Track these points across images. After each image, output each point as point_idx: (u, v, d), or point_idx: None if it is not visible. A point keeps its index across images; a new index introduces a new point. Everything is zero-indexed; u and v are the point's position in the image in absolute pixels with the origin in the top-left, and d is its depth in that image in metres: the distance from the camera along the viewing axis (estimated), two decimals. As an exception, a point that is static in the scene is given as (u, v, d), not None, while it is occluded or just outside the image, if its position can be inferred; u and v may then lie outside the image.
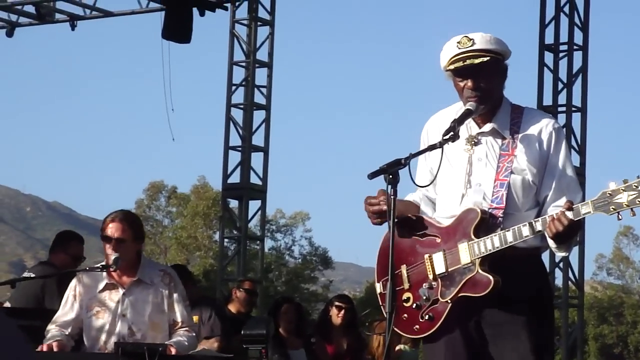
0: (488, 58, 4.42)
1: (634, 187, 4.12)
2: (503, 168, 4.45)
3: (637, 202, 4.11)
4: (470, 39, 4.44)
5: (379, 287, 4.54)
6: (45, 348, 5.84)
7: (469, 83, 4.45)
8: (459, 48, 4.44)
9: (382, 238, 4.60)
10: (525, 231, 4.30)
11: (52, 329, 6.06)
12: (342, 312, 9.19)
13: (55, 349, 5.84)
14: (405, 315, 4.52)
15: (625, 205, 4.13)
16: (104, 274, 6.03)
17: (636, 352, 47.28)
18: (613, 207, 4.15)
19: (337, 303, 9.33)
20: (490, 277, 4.33)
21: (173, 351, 5.78)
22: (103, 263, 6.04)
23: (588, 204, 4.21)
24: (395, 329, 4.54)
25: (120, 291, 6.05)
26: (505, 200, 4.39)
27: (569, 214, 4.23)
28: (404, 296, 4.53)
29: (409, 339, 9.69)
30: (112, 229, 6.02)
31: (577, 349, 16.07)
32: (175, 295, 6.09)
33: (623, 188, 4.14)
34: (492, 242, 4.34)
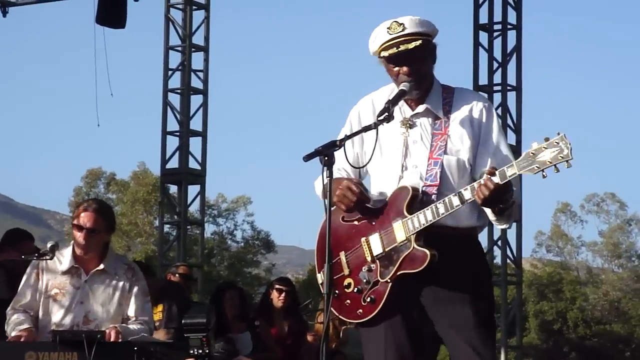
0: (420, 41, 4.43)
1: (555, 143, 4.14)
2: (436, 147, 4.47)
3: (560, 158, 4.12)
4: (400, 24, 4.44)
5: (320, 277, 4.50)
6: (15, 338, 5.79)
7: (405, 69, 4.46)
8: (390, 34, 4.44)
9: (319, 227, 4.60)
10: (456, 201, 4.32)
11: (17, 314, 5.98)
12: (283, 294, 9.21)
13: (22, 340, 5.79)
14: (348, 301, 4.52)
15: (548, 162, 4.14)
16: (70, 256, 5.98)
17: (575, 328, 47.88)
18: (537, 165, 4.16)
19: (277, 286, 9.36)
20: (427, 251, 4.35)
21: (113, 335, 5.75)
22: (41, 251, 6.01)
23: (513, 166, 4.23)
24: (339, 315, 4.58)
25: (83, 278, 6.02)
26: (439, 178, 4.43)
27: (495, 179, 4.23)
28: (345, 282, 4.54)
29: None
30: (85, 218, 5.97)
31: (517, 326, 16.26)
32: (135, 290, 6.06)
33: (545, 146, 4.15)
34: (424, 216, 4.36)
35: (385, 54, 4.46)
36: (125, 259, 6.52)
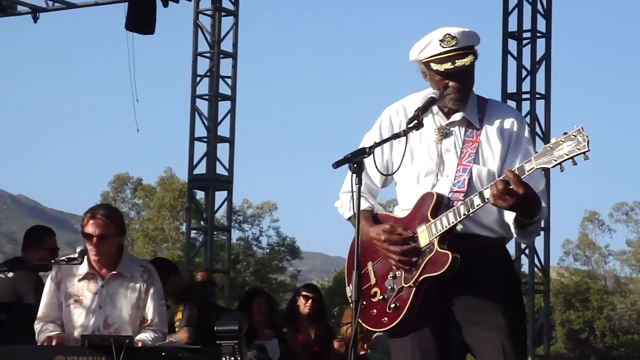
0: (473, 56, 4.43)
1: (572, 136, 4.11)
2: (466, 154, 4.46)
3: (577, 150, 4.09)
4: (453, 37, 4.41)
5: (349, 290, 4.47)
6: (46, 342, 5.82)
7: (456, 84, 4.44)
8: (443, 47, 4.41)
9: (349, 240, 4.56)
10: (477, 200, 4.29)
11: (46, 325, 6.01)
12: (309, 301, 9.21)
13: (54, 342, 5.82)
14: (374, 310, 4.51)
15: (565, 155, 4.11)
16: (85, 262, 6.00)
17: (602, 337, 47.65)
18: (554, 158, 4.13)
19: (304, 293, 9.36)
20: (449, 253, 4.33)
21: (139, 345, 5.78)
22: (70, 255, 6.02)
23: (531, 160, 4.20)
24: (366, 325, 4.55)
25: (99, 282, 6.03)
26: (466, 185, 4.41)
27: (515, 172, 4.19)
28: (372, 291, 4.53)
29: None
30: (93, 226, 5.96)
31: (544, 334, 16.20)
32: (151, 292, 6.06)
33: (562, 139, 4.13)
34: (447, 219, 4.35)
35: (438, 67, 4.42)
36: (141, 260, 6.51)
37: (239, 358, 6.64)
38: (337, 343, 9.60)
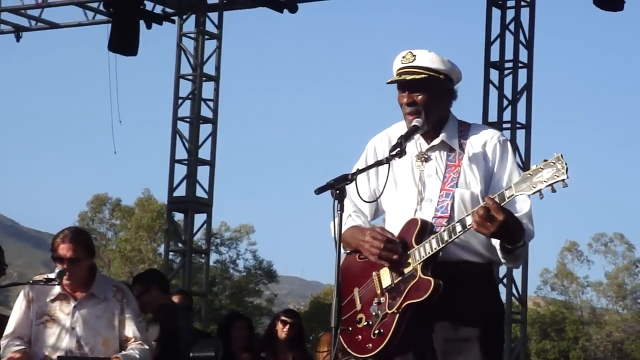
0: (424, 76, 4.45)
1: (552, 163, 4.13)
2: (449, 179, 4.47)
3: (556, 177, 4.11)
4: (414, 55, 4.48)
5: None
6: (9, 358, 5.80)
7: (405, 98, 4.49)
8: (402, 63, 4.50)
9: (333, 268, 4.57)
10: (459, 227, 4.31)
11: (11, 341, 5.98)
12: (287, 327, 9.18)
13: (17, 358, 5.78)
14: (359, 336, 4.52)
15: (544, 182, 4.13)
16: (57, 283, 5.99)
17: (578, 367, 47.69)
18: (533, 185, 4.16)
19: (282, 317, 9.34)
20: (431, 279, 4.34)
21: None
22: (46, 276, 6.00)
23: (511, 187, 4.22)
24: (350, 351, 4.56)
25: (72, 304, 6.01)
26: (449, 210, 4.42)
27: (495, 199, 4.21)
28: (357, 317, 4.54)
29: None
30: (64, 250, 5.97)
31: (520, 364, 16.18)
32: (127, 312, 6.06)
33: (542, 167, 4.15)
34: (430, 245, 4.36)
35: (394, 80, 4.51)
36: (113, 280, 6.51)
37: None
38: None
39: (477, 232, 4.30)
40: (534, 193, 4.17)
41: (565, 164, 4.11)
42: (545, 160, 4.16)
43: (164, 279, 8.67)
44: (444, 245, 4.34)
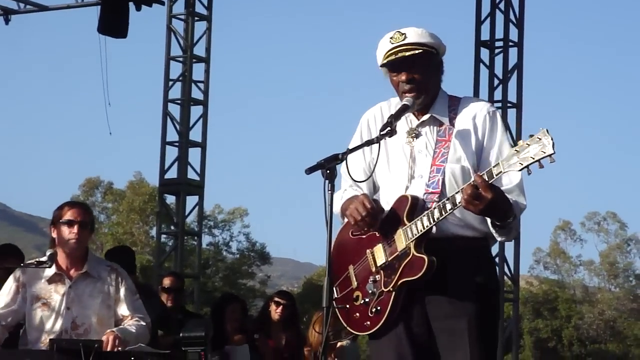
0: (420, 51, 4.45)
1: (538, 139, 4.12)
2: (440, 154, 4.47)
3: (542, 153, 4.10)
4: (402, 34, 4.48)
5: (335, 293, 4.53)
6: None
7: (403, 76, 4.47)
8: (392, 43, 4.48)
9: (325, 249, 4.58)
10: (448, 204, 4.31)
11: None
12: (280, 308, 9.21)
13: None
14: (357, 314, 4.54)
15: (531, 158, 4.12)
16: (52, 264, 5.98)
17: (570, 346, 47.88)
18: (521, 161, 4.15)
19: (276, 299, 9.37)
20: (424, 257, 4.35)
21: (111, 341, 5.73)
22: (39, 259, 5.99)
23: (499, 164, 4.21)
24: (349, 329, 4.60)
25: (67, 283, 6.01)
26: (440, 185, 4.42)
27: (483, 177, 4.20)
28: (354, 295, 4.55)
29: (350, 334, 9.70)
30: (75, 213, 6.00)
31: (513, 343, 16.24)
32: (122, 291, 6.07)
33: (528, 142, 4.14)
34: (422, 223, 4.36)
35: (385, 61, 4.48)
36: (106, 260, 6.51)
37: (205, 364, 6.63)
38: (306, 350, 9.59)
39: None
40: (521, 169, 4.16)
41: (552, 138, 4.10)
42: (531, 136, 4.15)
43: (128, 259, 8.63)
44: (435, 222, 4.34)
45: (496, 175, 4.22)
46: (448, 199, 4.32)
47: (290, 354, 9.24)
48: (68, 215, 6.00)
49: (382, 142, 4.43)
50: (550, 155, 4.10)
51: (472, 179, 4.25)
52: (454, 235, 4.42)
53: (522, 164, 4.15)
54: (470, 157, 4.46)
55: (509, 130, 15.23)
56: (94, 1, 16.03)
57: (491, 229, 4.40)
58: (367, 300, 4.49)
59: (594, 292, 55.75)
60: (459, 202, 4.27)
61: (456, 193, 4.30)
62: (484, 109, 4.54)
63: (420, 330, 4.46)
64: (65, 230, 5.98)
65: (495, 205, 4.23)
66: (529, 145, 4.14)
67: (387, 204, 4.53)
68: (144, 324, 6.05)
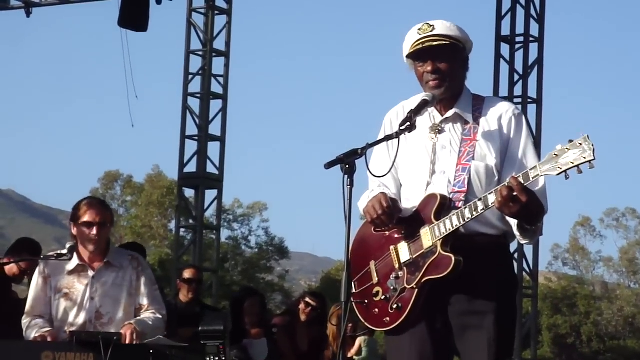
0: (447, 42, 4.44)
1: (578, 144, 4.09)
2: (465, 152, 4.45)
3: (582, 159, 4.07)
4: (431, 25, 4.47)
5: (352, 288, 4.52)
6: (39, 338, 5.83)
7: (428, 66, 4.46)
8: (420, 34, 4.46)
9: (344, 243, 4.56)
10: (480, 205, 4.29)
11: (36, 320, 6.01)
12: (309, 309, 9.25)
13: (49, 339, 5.83)
14: (376, 309, 4.52)
15: (570, 163, 4.10)
16: (75, 256, 6.02)
17: (589, 342, 47.73)
18: (560, 166, 4.13)
19: (306, 299, 9.41)
20: (452, 256, 4.33)
21: (128, 335, 5.77)
22: (59, 251, 6.03)
23: (536, 167, 4.20)
24: (367, 324, 4.58)
25: (90, 274, 6.05)
26: (466, 184, 4.41)
27: (519, 179, 4.19)
28: (374, 290, 4.53)
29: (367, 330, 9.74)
30: (93, 214, 6.03)
31: (531, 339, 16.21)
32: (142, 279, 6.12)
33: (568, 147, 4.11)
34: (451, 222, 4.34)
35: (412, 50, 4.47)
36: (126, 250, 6.54)
37: (224, 358, 6.63)
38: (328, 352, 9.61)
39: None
40: (559, 174, 4.14)
41: (592, 145, 4.07)
42: (571, 141, 4.12)
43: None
44: (465, 222, 4.33)
45: (532, 178, 4.20)
46: (480, 199, 4.30)
47: (311, 354, 9.26)
48: (87, 216, 6.03)
49: (403, 137, 4.41)
50: (590, 162, 4.08)
51: (508, 180, 4.23)
52: (475, 233, 4.40)
53: (560, 168, 4.13)
54: (495, 157, 4.45)
55: (529, 127, 15.19)
56: (114, -6, 16.05)
57: (516, 231, 4.39)
58: (387, 296, 4.47)
59: (614, 288, 55.56)
60: (492, 203, 4.26)
61: (489, 194, 4.29)
62: (509, 111, 4.53)
63: (440, 326, 4.45)
64: (85, 231, 6.03)
65: (529, 209, 4.23)
66: (568, 150, 4.11)
67: (407, 200, 4.52)
68: (160, 316, 6.08)
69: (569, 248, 56.18)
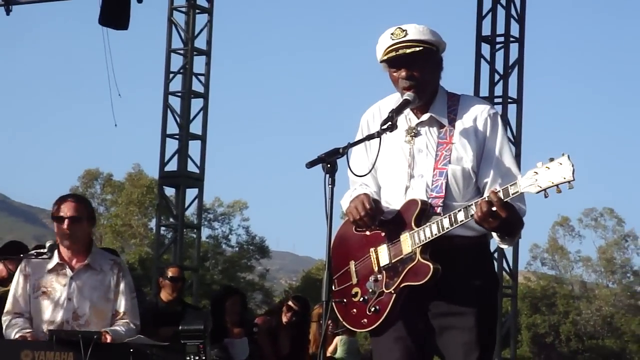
0: (420, 48, 4.44)
1: (559, 164, 4.13)
2: (442, 157, 4.47)
3: (562, 179, 4.12)
4: (404, 30, 4.46)
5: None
6: (20, 339, 5.82)
7: (403, 73, 4.46)
8: (392, 39, 4.46)
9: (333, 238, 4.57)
10: (461, 216, 4.32)
11: (16, 319, 6.00)
12: (290, 313, 9.27)
13: (29, 339, 5.81)
14: (354, 310, 4.54)
15: (550, 183, 4.14)
16: (55, 254, 5.98)
17: (567, 342, 47.89)
18: (539, 185, 4.17)
19: (289, 303, 9.45)
20: (430, 265, 4.35)
21: (108, 338, 5.76)
22: (39, 250, 6.01)
23: (516, 184, 4.23)
24: (345, 323, 4.63)
25: (69, 273, 6.02)
26: (444, 189, 4.42)
27: (499, 195, 4.22)
28: (353, 291, 4.55)
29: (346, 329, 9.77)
30: (66, 209, 5.99)
31: (511, 338, 16.26)
32: (121, 285, 6.07)
33: (548, 166, 4.15)
34: (430, 230, 4.36)
35: (385, 57, 4.47)
36: (109, 254, 6.50)
37: (204, 357, 6.63)
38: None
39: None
40: (538, 192, 4.18)
41: (572, 165, 4.12)
42: (551, 159, 4.16)
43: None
44: (443, 232, 4.35)
45: (512, 194, 4.23)
46: (460, 210, 4.32)
47: (293, 356, 9.28)
48: (60, 211, 6.00)
49: (382, 138, 4.42)
50: (569, 182, 4.12)
51: (487, 195, 4.26)
52: (454, 235, 4.41)
53: (540, 187, 4.17)
54: (472, 159, 4.46)
55: (509, 125, 15.25)
56: (95, -8, 16.00)
57: (496, 237, 4.43)
58: (365, 297, 4.49)
59: (592, 288, 55.77)
60: (472, 215, 4.29)
61: (470, 206, 4.31)
62: (485, 111, 4.53)
63: (421, 327, 4.46)
64: (58, 225, 5.99)
65: (509, 224, 4.28)
66: (548, 168, 4.16)
67: (386, 203, 4.53)
68: (133, 327, 6.05)
69: (548, 248, 56.33)
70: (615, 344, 48.62)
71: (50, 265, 6.02)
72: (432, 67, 4.52)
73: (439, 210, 4.39)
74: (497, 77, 15.44)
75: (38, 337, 5.91)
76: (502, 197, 4.22)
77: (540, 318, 48.07)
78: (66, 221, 5.96)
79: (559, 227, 56.43)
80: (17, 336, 5.87)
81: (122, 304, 6.04)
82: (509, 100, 15.41)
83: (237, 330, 8.88)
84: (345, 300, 4.54)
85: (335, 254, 4.48)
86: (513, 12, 15.44)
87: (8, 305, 6.05)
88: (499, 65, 15.45)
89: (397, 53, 4.44)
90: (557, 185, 4.14)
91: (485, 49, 15.49)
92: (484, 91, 15.36)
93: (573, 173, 4.11)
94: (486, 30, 15.47)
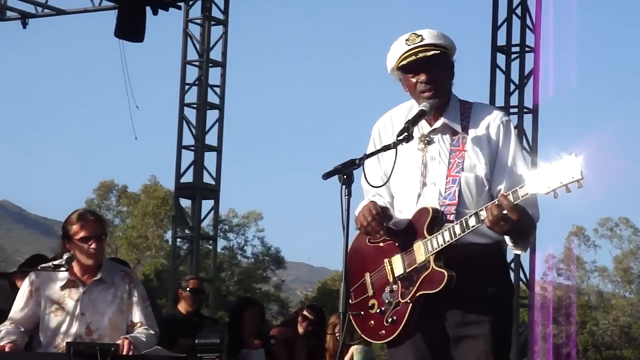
0: (439, 51, 4.43)
1: (567, 163, 4.11)
2: (454, 164, 4.46)
3: (571, 178, 4.10)
4: (419, 35, 4.45)
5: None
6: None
7: (422, 77, 4.44)
8: (408, 45, 4.44)
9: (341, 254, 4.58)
10: (472, 221, 4.31)
11: (6, 326, 5.99)
12: (306, 323, 9.26)
13: (7, 350, 5.79)
14: (372, 322, 4.53)
15: (559, 183, 4.12)
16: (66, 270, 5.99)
17: (585, 352, 47.73)
18: (548, 185, 4.15)
19: (304, 312, 9.43)
20: (444, 272, 4.34)
21: (126, 346, 5.75)
22: (56, 262, 6.00)
23: (524, 186, 4.22)
24: (364, 336, 4.61)
25: (81, 289, 6.01)
26: (457, 196, 4.41)
27: (509, 198, 4.21)
28: (369, 303, 4.55)
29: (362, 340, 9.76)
30: (90, 229, 5.95)
31: (528, 348, 16.21)
32: (134, 296, 6.06)
33: (557, 166, 4.13)
34: (442, 237, 4.35)
35: (404, 62, 4.45)
36: (120, 265, 6.50)
37: (220, 370, 6.62)
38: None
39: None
40: (548, 193, 4.17)
41: (581, 164, 4.10)
42: (560, 159, 4.14)
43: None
44: (456, 238, 4.34)
45: (522, 196, 4.21)
46: (472, 216, 4.31)
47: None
48: (83, 232, 5.94)
49: (397, 149, 4.40)
50: (578, 181, 4.10)
51: (498, 198, 4.25)
52: (468, 242, 4.40)
53: (549, 187, 4.15)
54: (485, 167, 4.45)
55: (525, 137, 15.22)
56: (111, 5, 16.08)
57: (508, 242, 4.41)
58: (382, 309, 4.49)
59: (609, 298, 55.55)
60: (483, 219, 4.28)
61: (480, 210, 4.30)
62: (497, 118, 4.52)
63: (439, 337, 4.46)
64: (83, 245, 5.95)
65: (520, 226, 4.26)
66: (557, 168, 4.14)
67: (399, 212, 4.53)
68: (152, 332, 6.04)
69: (563, 258, 56.16)
70: (633, 354, 48.38)
71: (62, 281, 6.01)
72: (448, 71, 4.52)
73: (451, 217, 4.38)
74: (512, 87, 15.42)
75: (48, 351, 5.88)
76: (512, 200, 4.21)
77: (557, 328, 47.91)
78: (94, 241, 5.95)
79: (574, 237, 56.26)
80: (2, 344, 5.85)
81: (136, 314, 6.04)
82: (525, 110, 15.39)
83: (257, 342, 8.88)
84: (362, 312, 4.53)
85: (350, 267, 4.46)
86: (528, 22, 15.43)
87: (10, 314, 6.04)
88: (515, 75, 15.44)
89: (417, 57, 4.42)
90: (566, 185, 4.12)
91: (501, 58, 15.49)
92: (500, 101, 15.35)
93: (581, 172, 4.09)
94: (501, 40, 15.47)
